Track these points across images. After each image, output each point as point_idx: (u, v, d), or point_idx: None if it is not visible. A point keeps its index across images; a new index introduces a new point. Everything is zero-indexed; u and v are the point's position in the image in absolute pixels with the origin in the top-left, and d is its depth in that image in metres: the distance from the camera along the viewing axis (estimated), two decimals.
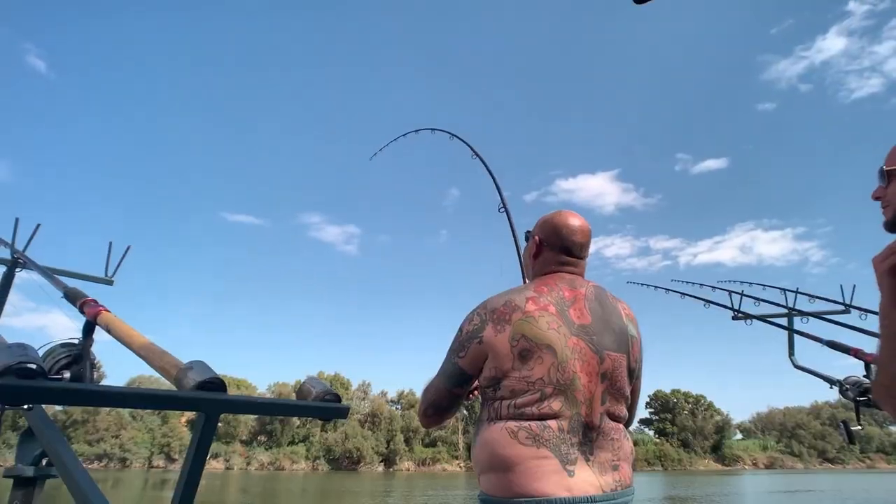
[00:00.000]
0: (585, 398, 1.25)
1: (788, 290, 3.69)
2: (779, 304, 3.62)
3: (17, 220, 2.59)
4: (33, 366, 0.64)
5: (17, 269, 2.38)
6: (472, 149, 3.56)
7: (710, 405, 69.87)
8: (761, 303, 3.72)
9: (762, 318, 3.57)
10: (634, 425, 1.49)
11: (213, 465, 51.30)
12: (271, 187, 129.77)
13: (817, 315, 3.36)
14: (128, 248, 3.24)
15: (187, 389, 0.75)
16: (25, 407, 0.96)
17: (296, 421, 54.73)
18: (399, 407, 63.43)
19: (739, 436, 75.23)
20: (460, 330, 1.36)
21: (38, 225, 2.66)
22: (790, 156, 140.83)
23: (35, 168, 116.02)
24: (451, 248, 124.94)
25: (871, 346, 2.47)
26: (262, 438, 57.68)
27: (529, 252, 1.53)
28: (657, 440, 67.40)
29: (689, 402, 69.75)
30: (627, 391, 1.36)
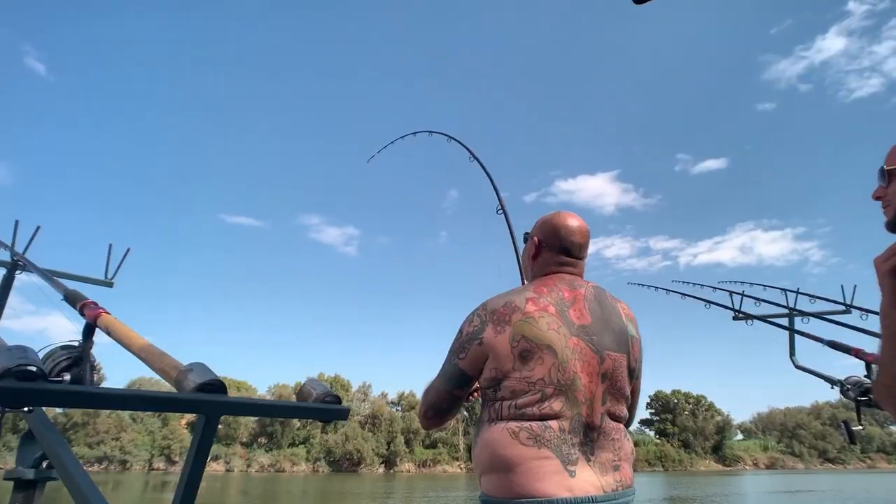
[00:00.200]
0: (586, 398, 1.25)
1: (789, 291, 3.69)
2: (779, 305, 3.62)
3: (16, 222, 2.60)
4: (33, 368, 0.64)
5: (17, 272, 2.38)
6: (469, 151, 3.56)
7: (711, 405, 69.85)
8: (762, 303, 3.72)
9: (763, 319, 3.57)
10: (635, 426, 1.48)
11: (214, 467, 51.24)
12: (270, 189, 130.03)
13: (818, 315, 3.36)
14: (127, 251, 3.24)
15: (187, 391, 0.75)
16: (26, 409, 0.96)
17: (296, 423, 54.77)
18: (399, 408, 63.39)
19: (740, 436, 75.19)
20: (460, 331, 1.36)
21: (38, 227, 2.66)
22: (790, 156, 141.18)
23: (35, 170, 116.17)
24: (451, 249, 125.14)
25: (872, 346, 2.47)
26: (263, 440, 57.63)
27: (528, 253, 1.53)
28: (658, 441, 67.34)
29: (689, 403, 69.71)
30: (628, 391, 1.36)
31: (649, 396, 69.67)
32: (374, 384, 67.56)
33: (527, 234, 1.57)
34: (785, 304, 3.60)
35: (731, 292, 3.89)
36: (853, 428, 2.36)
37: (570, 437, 1.21)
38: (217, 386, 0.75)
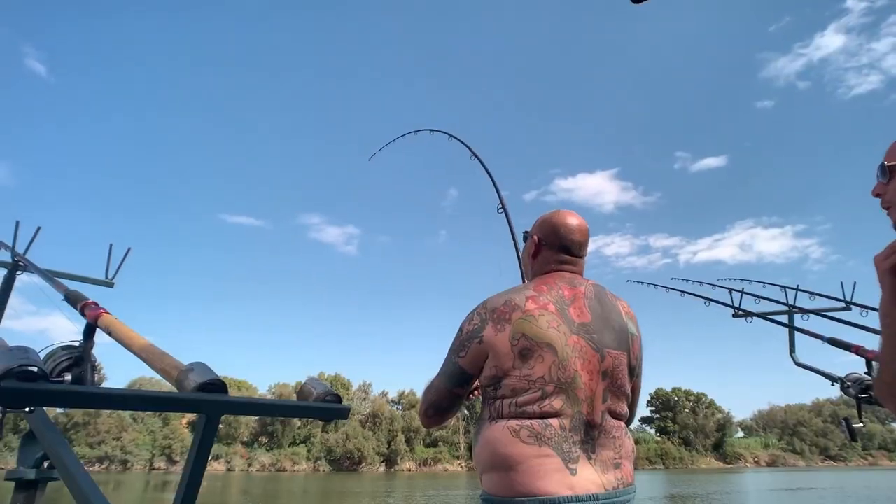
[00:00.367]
0: (586, 396, 1.25)
1: (789, 288, 3.69)
2: (779, 302, 3.62)
3: (17, 222, 2.60)
4: (34, 369, 0.64)
5: (18, 272, 2.38)
6: (470, 149, 3.56)
7: (712, 403, 69.86)
8: (762, 300, 3.71)
9: (763, 316, 3.57)
10: (635, 424, 1.48)
11: (215, 467, 51.29)
12: (271, 188, 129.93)
13: (818, 312, 3.35)
14: (128, 251, 3.24)
15: (188, 391, 0.75)
16: (27, 410, 0.96)
17: (297, 422, 54.76)
18: (400, 407, 63.42)
19: (741, 434, 75.21)
20: (460, 330, 1.36)
21: (39, 228, 2.66)
22: (789, 153, 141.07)
23: (35, 171, 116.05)
24: (451, 248, 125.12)
25: (872, 343, 2.47)
26: (263, 440, 57.68)
27: (528, 252, 1.53)
28: (658, 438, 67.38)
29: (690, 401, 69.74)
30: (628, 389, 1.36)
31: (650, 394, 69.76)
32: (374, 383, 67.79)
33: (527, 232, 1.57)
34: (785, 301, 3.60)
35: (730, 290, 3.89)
36: (854, 425, 2.35)
37: (570, 435, 1.21)
38: (218, 385, 0.75)
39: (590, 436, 1.24)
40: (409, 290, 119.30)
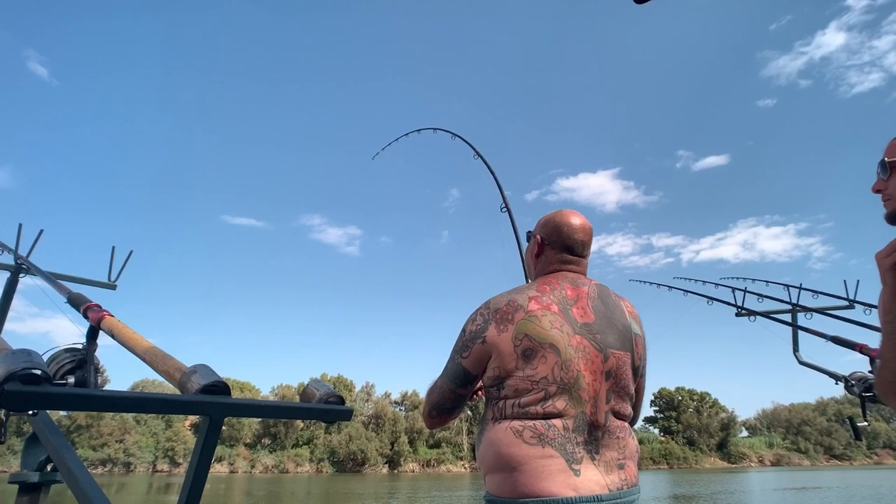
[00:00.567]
0: (590, 397, 1.24)
1: (792, 287, 3.68)
2: (782, 301, 3.61)
3: (20, 225, 2.61)
4: (38, 371, 0.64)
5: (21, 275, 2.39)
6: (473, 148, 3.57)
7: (715, 402, 69.70)
8: (764, 299, 3.71)
9: (766, 315, 3.56)
10: (639, 423, 1.48)
11: (218, 469, 51.37)
12: (272, 189, 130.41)
13: (821, 311, 3.34)
14: (130, 253, 3.25)
15: (191, 393, 0.75)
16: (30, 413, 0.96)
17: (300, 423, 54.78)
18: (403, 408, 63.44)
19: (745, 433, 74.99)
20: (463, 330, 1.36)
21: (41, 230, 2.67)
22: (791, 152, 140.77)
23: (38, 174, 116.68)
24: (453, 248, 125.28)
25: (876, 341, 2.45)
26: (266, 441, 57.75)
27: (531, 252, 1.53)
28: (662, 438, 67.26)
29: (693, 400, 69.62)
30: (632, 389, 1.35)
31: (653, 394, 69.63)
32: (377, 384, 67.78)
33: (529, 232, 1.57)
34: (788, 300, 3.59)
35: (733, 289, 3.88)
36: (859, 424, 2.34)
37: (574, 435, 1.20)
38: (221, 387, 0.75)
39: (593, 436, 1.23)
40: (411, 290, 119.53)
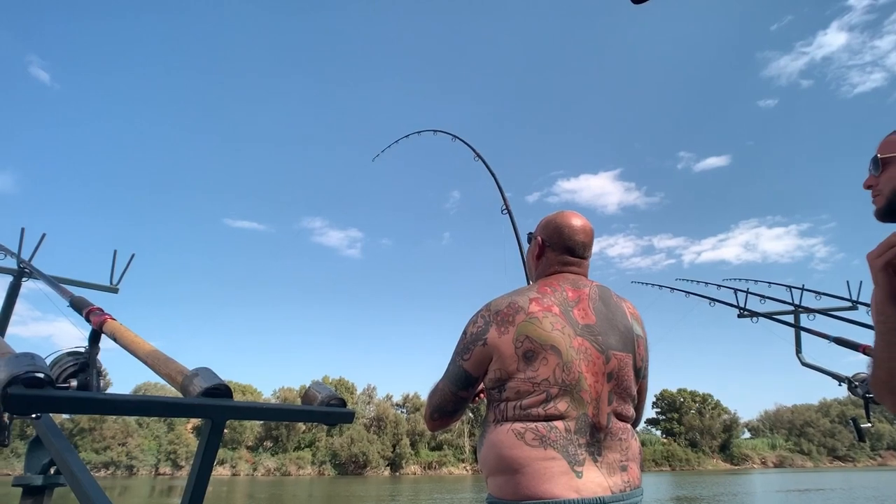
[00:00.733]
0: (592, 398, 1.24)
1: (794, 287, 3.67)
2: (785, 302, 3.60)
3: (22, 230, 2.62)
4: (41, 375, 0.64)
5: (24, 279, 2.40)
6: (474, 150, 3.57)
7: (718, 404, 69.46)
8: (767, 300, 3.70)
9: (768, 316, 3.55)
10: (641, 425, 1.47)
11: (220, 472, 51.36)
12: (273, 193, 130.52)
13: (824, 312, 3.33)
14: (132, 256, 3.26)
15: (193, 396, 0.75)
16: (34, 416, 0.96)
17: (301, 426, 54.76)
18: (404, 410, 63.37)
19: (748, 434, 74.72)
20: (464, 332, 1.36)
21: (44, 235, 2.68)
22: (793, 152, 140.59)
23: (40, 178, 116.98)
24: (454, 250, 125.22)
25: None
26: (268, 444, 57.72)
27: (532, 253, 1.53)
28: (664, 440, 67.05)
29: (695, 402, 69.39)
30: (634, 391, 1.35)
31: (655, 395, 69.42)
32: (378, 386, 67.74)
33: (530, 233, 1.57)
34: (790, 300, 3.59)
35: (735, 290, 3.88)
36: (862, 425, 2.34)
37: (576, 437, 1.20)
38: (223, 391, 0.75)
39: (596, 438, 1.23)
40: (412, 292, 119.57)
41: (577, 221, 1.47)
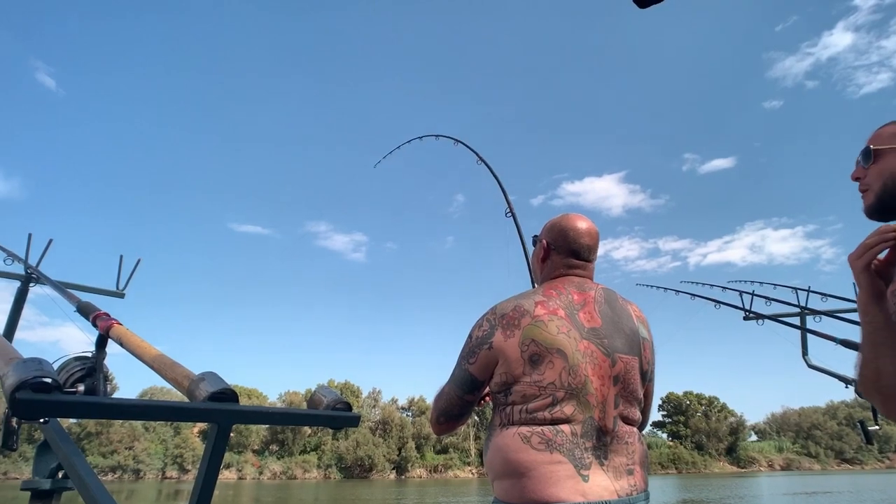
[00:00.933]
0: (598, 402, 1.24)
1: (800, 289, 3.66)
2: (791, 304, 3.59)
3: (30, 235, 2.64)
4: (49, 380, 0.65)
5: (31, 284, 2.42)
6: (476, 154, 3.57)
7: (724, 407, 69.07)
8: (773, 302, 3.69)
9: (774, 318, 3.54)
10: (647, 428, 1.47)
11: (226, 475, 51.40)
12: (278, 197, 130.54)
13: (830, 314, 3.31)
14: (138, 261, 3.28)
15: (200, 400, 0.75)
16: (41, 420, 0.97)
17: (307, 430, 54.80)
18: (410, 414, 63.29)
19: (754, 437, 74.21)
20: (470, 336, 1.36)
21: (51, 240, 2.70)
22: (799, 153, 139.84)
23: (46, 183, 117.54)
24: (459, 253, 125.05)
25: None
26: (274, 448, 57.75)
27: (537, 256, 1.53)
28: (671, 443, 66.69)
29: (702, 404, 69.01)
30: (640, 394, 1.35)
31: (661, 398, 69.10)
32: (384, 390, 67.93)
33: (535, 236, 1.57)
34: (796, 302, 3.57)
35: (741, 292, 3.86)
36: (870, 427, 2.33)
37: (582, 441, 1.20)
38: (229, 395, 0.75)
39: (602, 442, 1.23)
40: (417, 296, 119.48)
41: (582, 224, 1.47)
